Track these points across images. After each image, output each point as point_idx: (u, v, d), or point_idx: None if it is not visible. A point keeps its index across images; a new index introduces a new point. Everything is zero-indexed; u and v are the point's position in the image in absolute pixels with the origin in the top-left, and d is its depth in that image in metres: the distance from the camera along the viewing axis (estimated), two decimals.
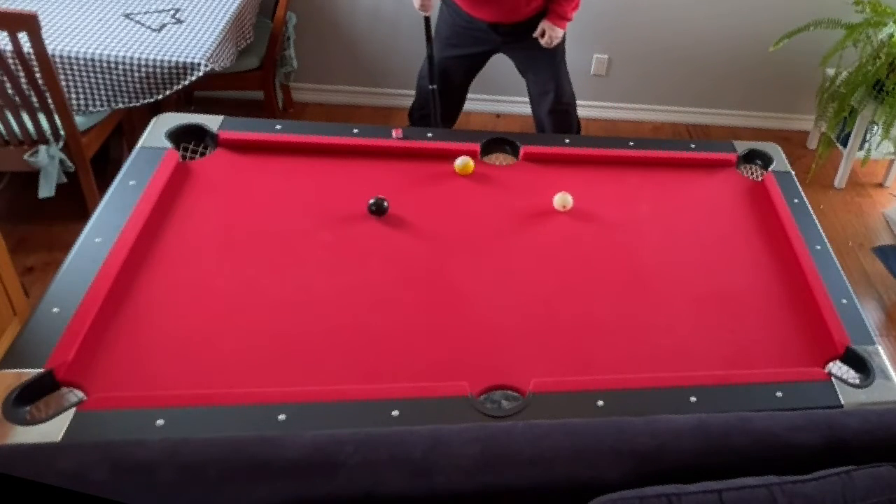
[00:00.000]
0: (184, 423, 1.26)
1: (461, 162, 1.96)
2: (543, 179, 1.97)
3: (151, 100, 2.47)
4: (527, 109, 3.75)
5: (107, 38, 2.47)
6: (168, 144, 1.85)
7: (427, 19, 2.64)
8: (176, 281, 1.55)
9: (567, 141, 2.14)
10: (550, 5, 2.55)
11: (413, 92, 3.67)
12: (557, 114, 2.85)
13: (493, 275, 1.69)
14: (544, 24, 2.57)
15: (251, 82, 3.06)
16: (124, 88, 2.44)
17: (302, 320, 1.51)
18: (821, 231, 1.91)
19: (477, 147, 2.03)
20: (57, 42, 2.39)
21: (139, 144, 1.85)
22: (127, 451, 1.06)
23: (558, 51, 2.70)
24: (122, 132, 2.78)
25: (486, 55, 2.79)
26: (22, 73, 2.22)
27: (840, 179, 3.54)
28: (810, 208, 2.00)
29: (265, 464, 1.06)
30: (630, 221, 1.91)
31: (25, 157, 2.38)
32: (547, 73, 2.76)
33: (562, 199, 1.89)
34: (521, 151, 2.06)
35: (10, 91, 2.24)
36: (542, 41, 2.60)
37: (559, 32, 2.59)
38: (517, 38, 2.64)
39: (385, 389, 1.37)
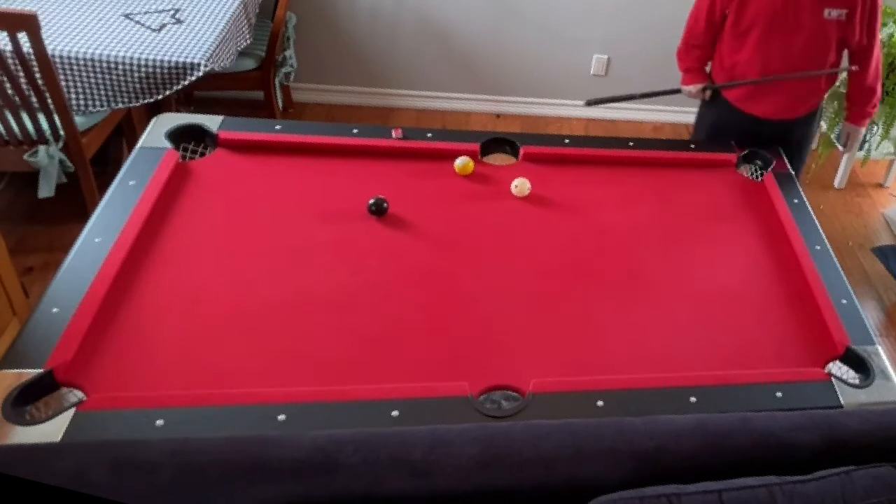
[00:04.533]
0: (184, 423, 1.26)
1: (461, 162, 1.96)
2: (543, 179, 1.97)
3: (151, 100, 2.47)
4: (526, 109, 3.78)
5: (107, 38, 2.47)
6: (168, 144, 1.85)
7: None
8: (176, 281, 1.55)
9: (567, 141, 2.14)
10: (852, 106, 2.36)
11: (412, 92, 3.69)
12: None
13: (493, 275, 1.69)
14: (848, 128, 2.40)
15: (251, 82, 3.06)
16: (124, 88, 2.44)
17: (301, 320, 1.51)
18: (821, 231, 1.91)
19: (477, 147, 2.03)
20: (57, 42, 2.39)
21: (139, 144, 1.85)
22: (127, 451, 1.06)
23: (804, 153, 2.47)
24: (122, 132, 2.78)
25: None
26: (22, 73, 2.22)
27: (840, 179, 3.54)
28: (810, 208, 2.00)
29: (265, 464, 1.06)
30: (630, 221, 1.91)
31: (25, 157, 2.38)
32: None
33: (521, 184, 1.91)
34: (521, 151, 2.06)
35: (10, 91, 2.24)
36: (844, 146, 2.45)
37: (861, 133, 2.44)
38: (783, 138, 2.35)
39: (385, 389, 1.36)
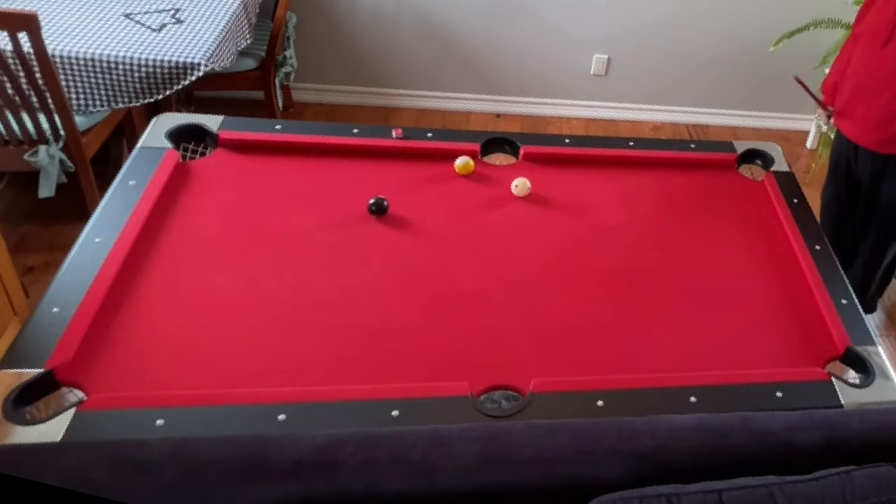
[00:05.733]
0: (184, 423, 1.26)
1: (461, 162, 1.96)
2: (543, 179, 1.97)
3: (151, 100, 2.47)
4: (526, 109, 3.78)
5: (107, 38, 2.47)
6: (168, 144, 1.85)
7: None
8: (176, 281, 1.55)
9: (567, 141, 2.14)
10: None
11: (412, 92, 3.69)
12: (865, 269, 2.42)
13: (494, 275, 1.69)
14: None
15: (251, 82, 3.06)
16: (124, 88, 2.44)
17: (302, 320, 1.51)
18: (821, 231, 1.91)
19: (477, 147, 2.03)
20: (57, 42, 2.39)
21: (139, 144, 1.85)
22: (127, 451, 1.06)
23: None
24: (122, 132, 2.78)
25: (851, 192, 2.27)
26: (22, 73, 2.22)
27: None
28: (811, 208, 2.00)
29: (265, 464, 1.06)
30: (630, 221, 1.91)
31: (25, 157, 2.38)
32: (884, 232, 2.30)
33: (521, 184, 1.91)
34: (521, 151, 2.06)
35: (10, 91, 2.24)
36: None
37: None
38: (881, 174, 2.11)
39: (385, 389, 1.37)
